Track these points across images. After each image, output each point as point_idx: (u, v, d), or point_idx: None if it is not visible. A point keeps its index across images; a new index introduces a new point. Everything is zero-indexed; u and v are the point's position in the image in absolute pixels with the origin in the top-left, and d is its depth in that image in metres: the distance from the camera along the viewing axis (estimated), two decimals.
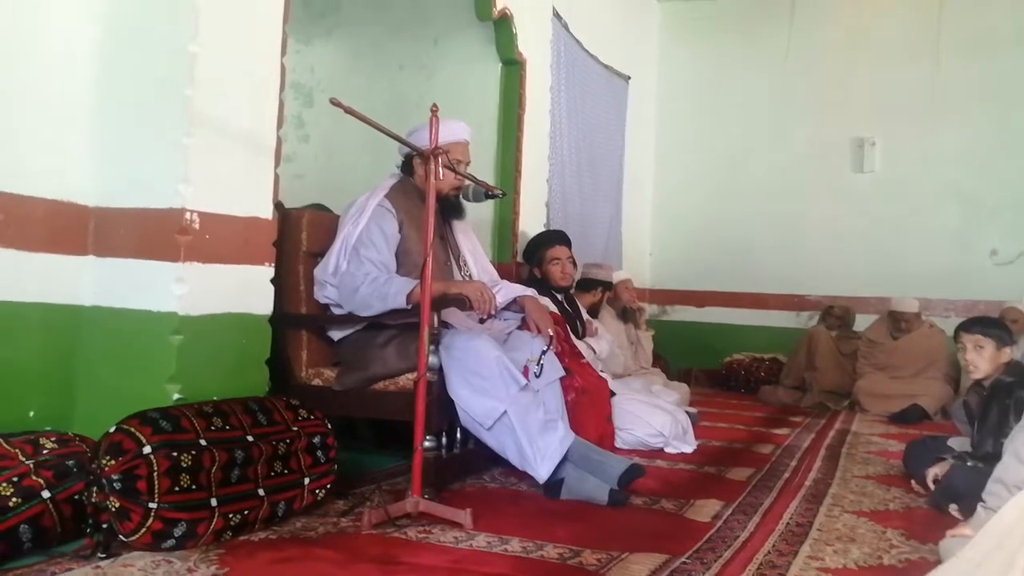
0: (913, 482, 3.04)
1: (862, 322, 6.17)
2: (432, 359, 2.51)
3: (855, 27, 6.72)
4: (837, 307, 6.23)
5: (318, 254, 2.97)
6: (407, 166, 3.08)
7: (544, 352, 2.85)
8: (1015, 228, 6.16)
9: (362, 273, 2.78)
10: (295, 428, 2.29)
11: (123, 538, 1.88)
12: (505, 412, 2.60)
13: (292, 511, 2.23)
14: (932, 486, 2.76)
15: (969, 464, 2.69)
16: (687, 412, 4.04)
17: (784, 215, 6.79)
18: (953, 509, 2.58)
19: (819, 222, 6.69)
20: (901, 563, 2.13)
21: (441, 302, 2.64)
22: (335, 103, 2.04)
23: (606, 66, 5.94)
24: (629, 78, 6.40)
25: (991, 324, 2.95)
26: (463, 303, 2.76)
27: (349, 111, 2.08)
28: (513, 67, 4.71)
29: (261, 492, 2.10)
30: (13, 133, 2.23)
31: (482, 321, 2.95)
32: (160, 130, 2.38)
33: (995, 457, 2.30)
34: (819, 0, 6.84)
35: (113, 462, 1.87)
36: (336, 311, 2.91)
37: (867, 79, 6.62)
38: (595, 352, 4.10)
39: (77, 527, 1.93)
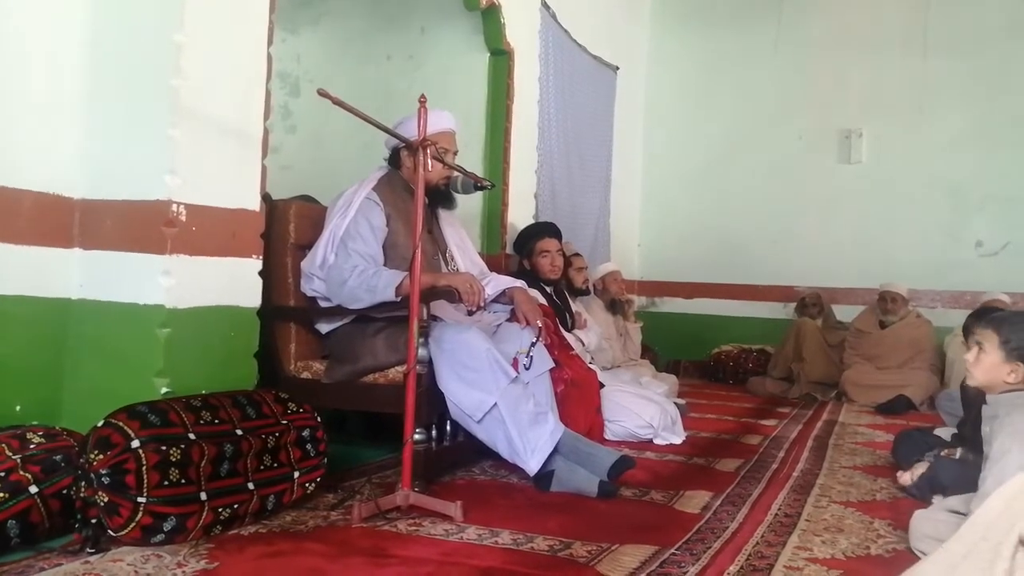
0: (898, 473, 3.06)
1: (850, 313, 6.21)
2: (422, 352, 2.51)
3: (843, 19, 6.72)
4: (808, 296, 6.27)
5: (306, 246, 2.96)
6: (394, 158, 3.07)
7: (533, 344, 2.84)
8: (1001, 219, 6.20)
9: (350, 266, 2.77)
10: (284, 421, 2.28)
11: (112, 533, 1.87)
12: (495, 405, 2.60)
13: (282, 505, 2.22)
14: (909, 485, 2.76)
15: (957, 456, 2.70)
16: (676, 403, 4.05)
17: (772, 206, 6.81)
18: (937, 500, 2.60)
19: (807, 213, 6.71)
20: (888, 553, 2.14)
21: (430, 294, 2.64)
22: (323, 94, 2.03)
23: (595, 56, 5.93)
24: (617, 69, 6.39)
25: None
26: (452, 295, 2.75)
27: (337, 102, 2.06)
28: (501, 57, 4.69)
29: (251, 486, 2.10)
30: None
31: (471, 313, 2.94)
32: (146, 121, 2.36)
33: (980, 448, 2.32)
34: None
35: (101, 456, 1.86)
36: (324, 304, 2.90)
37: (855, 71, 6.64)
38: (584, 344, 4.10)
39: (65, 522, 1.92)
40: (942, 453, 2.80)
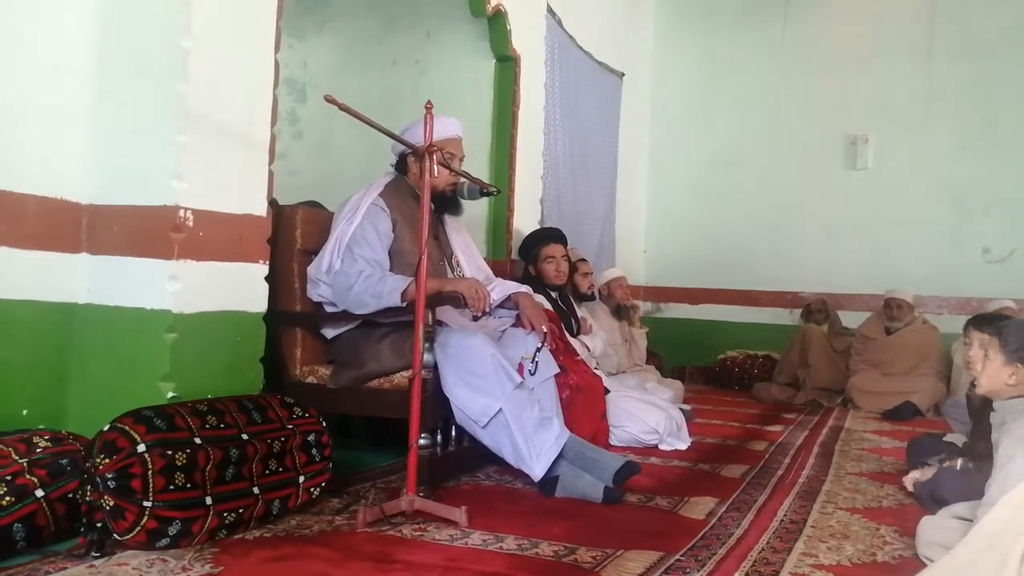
0: (904, 479, 3.05)
1: (856, 319, 6.20)
2: (427, 357, 2.51)
3: (848, 25, 6.72)
4: (813, 302, 6.27)
5: (312, 251, 2.96)
6: (401, 164, 3.08)
7: (539, 349, 2.85)
8: (1007, 226, 6.19)
9: (356, 271, 2.78)
10: (290, 426, 2.28)
11: (117, 537, 1.87)
12: (500, 410, 2.60)
13: (287, 509, 2.23)
14: (912, 489, 2.76)
15: (958, 467, 2.69)
16: (681, 409, 4.04)
17: (778, 212, 6.80)
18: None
19: (813, 219, 6.71)
20: (894, 560, 2.14)
21: (436, 300, 2.64)
22: (330, 100, 2.03)
23: (600, 63, 5.93)
24: (623, 75, 6.39)
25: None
26: (458, 301, 2.76)
27: (344, 108, 2.07)
28: (507, 63, 4.70)
29: (256, 490, 2.10)
30: (5, 129, 2.22)
31: (476, 319, 2.94)
32: (153, 126, 2.37)
33: (986, 457, 2.31)
34: None
35: (107, 460, 1.86)
36: (330, 309, 2.90)
37: (860, 77, 6.64)
38: (589, 349, 4.10)
39: (71, 526, 1.92)
40: (945, 464, 2.79)
